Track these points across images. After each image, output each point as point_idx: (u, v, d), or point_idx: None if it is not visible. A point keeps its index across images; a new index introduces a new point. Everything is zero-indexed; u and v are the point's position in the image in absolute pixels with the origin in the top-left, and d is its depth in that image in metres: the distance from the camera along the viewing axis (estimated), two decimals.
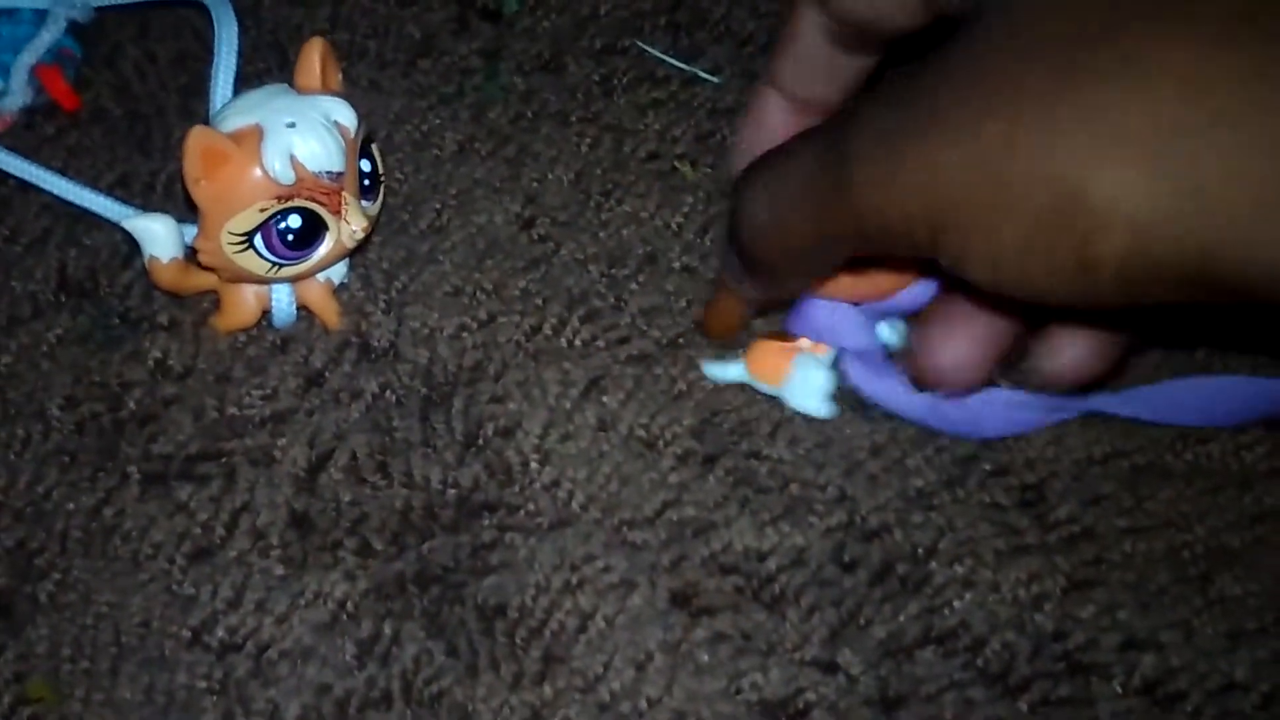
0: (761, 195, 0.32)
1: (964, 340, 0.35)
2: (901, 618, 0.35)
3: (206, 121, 0.37)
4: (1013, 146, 0.26)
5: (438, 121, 0.43)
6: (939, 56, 0.28)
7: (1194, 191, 0.25)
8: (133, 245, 0.37)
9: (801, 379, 0.38)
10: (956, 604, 0.35)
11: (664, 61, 0.45)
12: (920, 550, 0.36)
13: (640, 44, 0.45)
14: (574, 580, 0.35)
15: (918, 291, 0.36)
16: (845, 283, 0.36)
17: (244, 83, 0.39)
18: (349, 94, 0.36)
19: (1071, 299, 0.28)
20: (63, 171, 0.40)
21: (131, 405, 0.37)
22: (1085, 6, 0.26)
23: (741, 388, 0.38)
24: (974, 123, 0.26)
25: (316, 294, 0.38)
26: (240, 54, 0.39)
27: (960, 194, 0.27)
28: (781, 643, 0.35)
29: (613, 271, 0.40)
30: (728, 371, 0.38)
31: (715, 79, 0.44)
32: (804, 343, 0.38)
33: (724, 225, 0.39)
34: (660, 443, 0.37)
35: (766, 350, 0.38)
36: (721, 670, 0.34)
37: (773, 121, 0.36)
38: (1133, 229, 0.25)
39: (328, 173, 0.35)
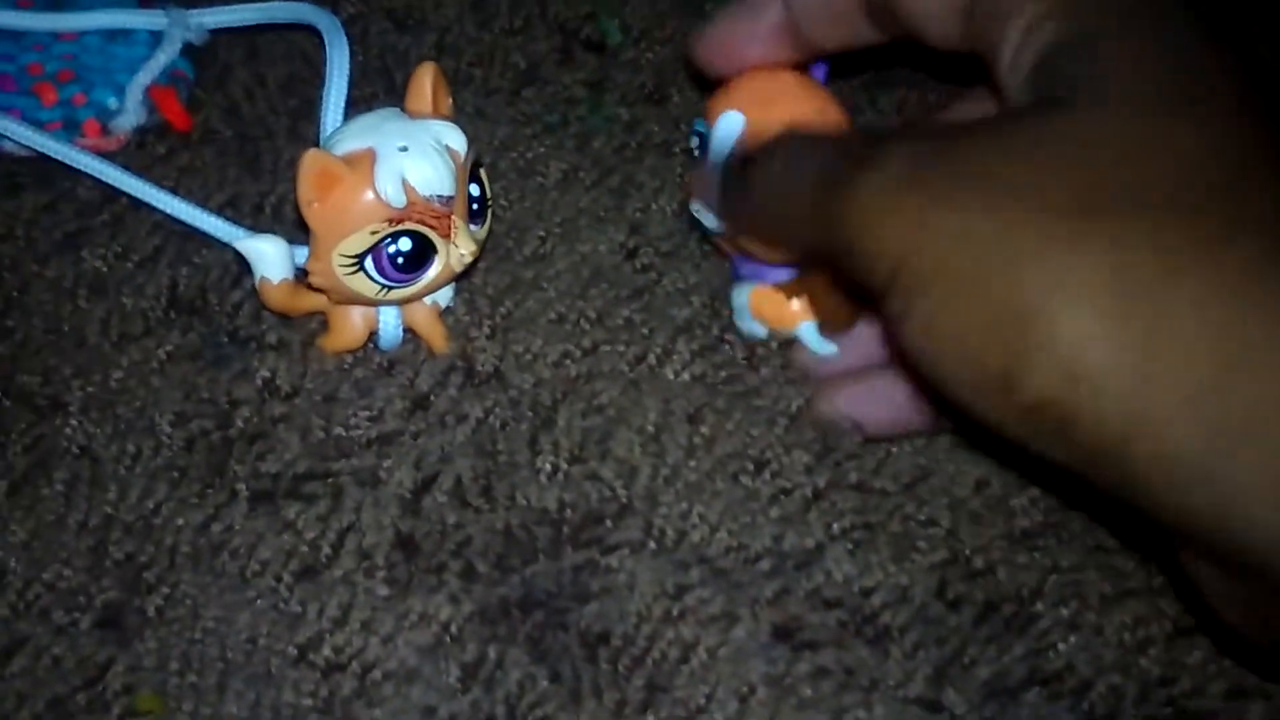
0: (779, 165, 0.32)
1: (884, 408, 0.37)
2: (1006, 658, 0.35)
3: (315, 144, 0.37)
4: (1001, 244, 0.26)
5: (542, 150, 0.43)
6: (987, 128, 0.29)
7: (1137, 371, 0.25)
8: (243, 264, 0.37)
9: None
10: (1061, 646, 0.35)
11: None
12: (1025, 591, 0.36)
13: None
14: (675, 610, 0.35)
15: None
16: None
17: (351, 107, 0.39)
18: (456, 120, 0.37)
19: (983, 413, 0.28)
20: (174, 191, 0.40)
21: (240, 423, 0.38)
22: (1110, 164, 0.27)
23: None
24: (978, 208, 0.27)
25: (423, 317, 0.38)
26: (349, 78, 0.40)
27: (932, 259, 0.27)
28: (885, 679, 0.34)
29: (715, 303, 0.40)
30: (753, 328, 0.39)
31: None
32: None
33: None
34: (765, 474, 0.37)
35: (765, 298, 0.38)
36: (825, 705, 0.34)
37: (761, 25, 0.36)
38: (1067, 375, 0.25)
39: (438, 196, 0.35)
